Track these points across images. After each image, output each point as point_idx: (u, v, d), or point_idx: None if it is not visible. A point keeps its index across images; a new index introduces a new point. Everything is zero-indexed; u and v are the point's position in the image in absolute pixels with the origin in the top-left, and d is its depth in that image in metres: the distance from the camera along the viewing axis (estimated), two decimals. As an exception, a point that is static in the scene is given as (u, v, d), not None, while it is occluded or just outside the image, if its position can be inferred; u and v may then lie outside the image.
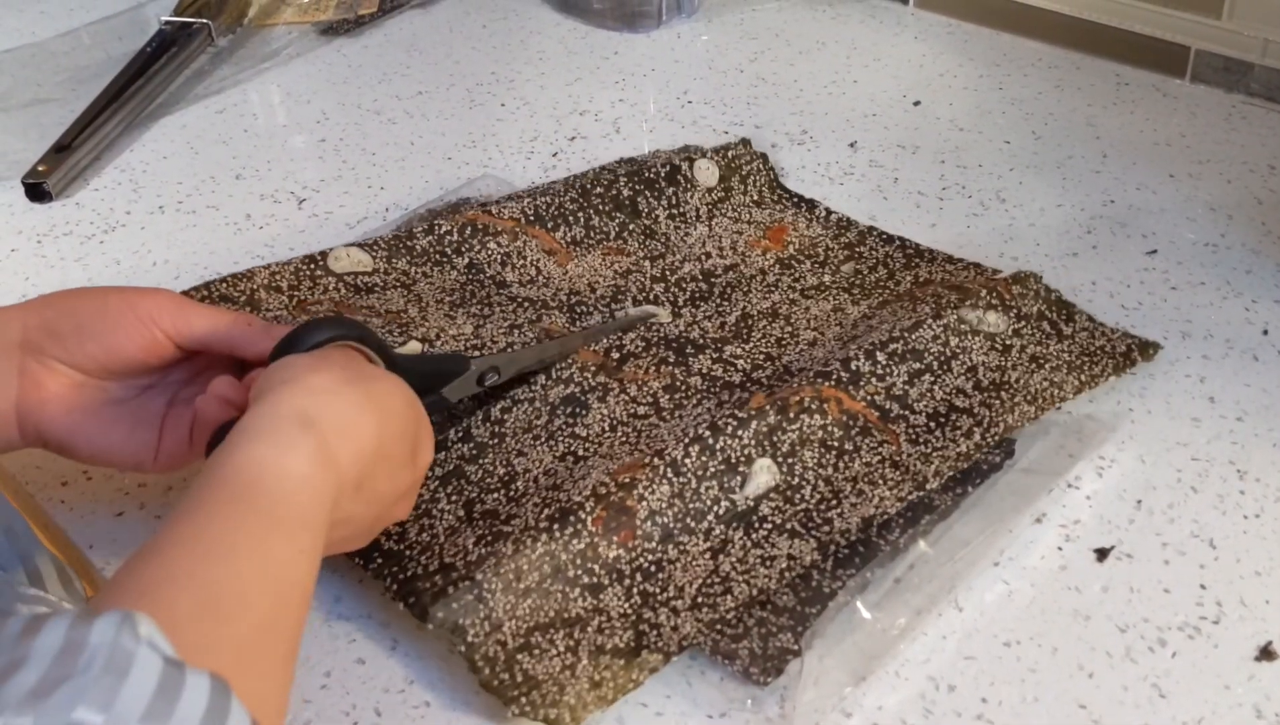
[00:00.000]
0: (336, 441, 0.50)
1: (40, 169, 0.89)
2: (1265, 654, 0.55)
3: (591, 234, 0.80)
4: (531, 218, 0.78)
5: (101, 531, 0.63)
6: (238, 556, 0.45)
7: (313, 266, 0.74)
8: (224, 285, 0.72)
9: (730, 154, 0.86)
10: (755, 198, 0.84)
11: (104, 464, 0.60)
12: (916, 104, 0.97)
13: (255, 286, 0.72)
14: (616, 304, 0.75)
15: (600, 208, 0.81)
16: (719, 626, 0.56)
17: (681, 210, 0.82)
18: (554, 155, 0.92)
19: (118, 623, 0.36)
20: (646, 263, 0.79)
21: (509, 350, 0.68)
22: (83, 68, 1.03)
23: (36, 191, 0.88)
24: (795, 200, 0.84)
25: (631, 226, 0.81)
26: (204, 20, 1.05)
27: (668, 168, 0.83)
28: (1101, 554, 0.60)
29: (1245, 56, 0.93)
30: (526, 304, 0.74)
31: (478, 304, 0.73)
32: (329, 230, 0.84)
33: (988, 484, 0.62)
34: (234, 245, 0.83)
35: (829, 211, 0.83)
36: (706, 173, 0.84)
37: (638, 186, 0.82)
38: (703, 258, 0.79)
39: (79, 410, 0.57)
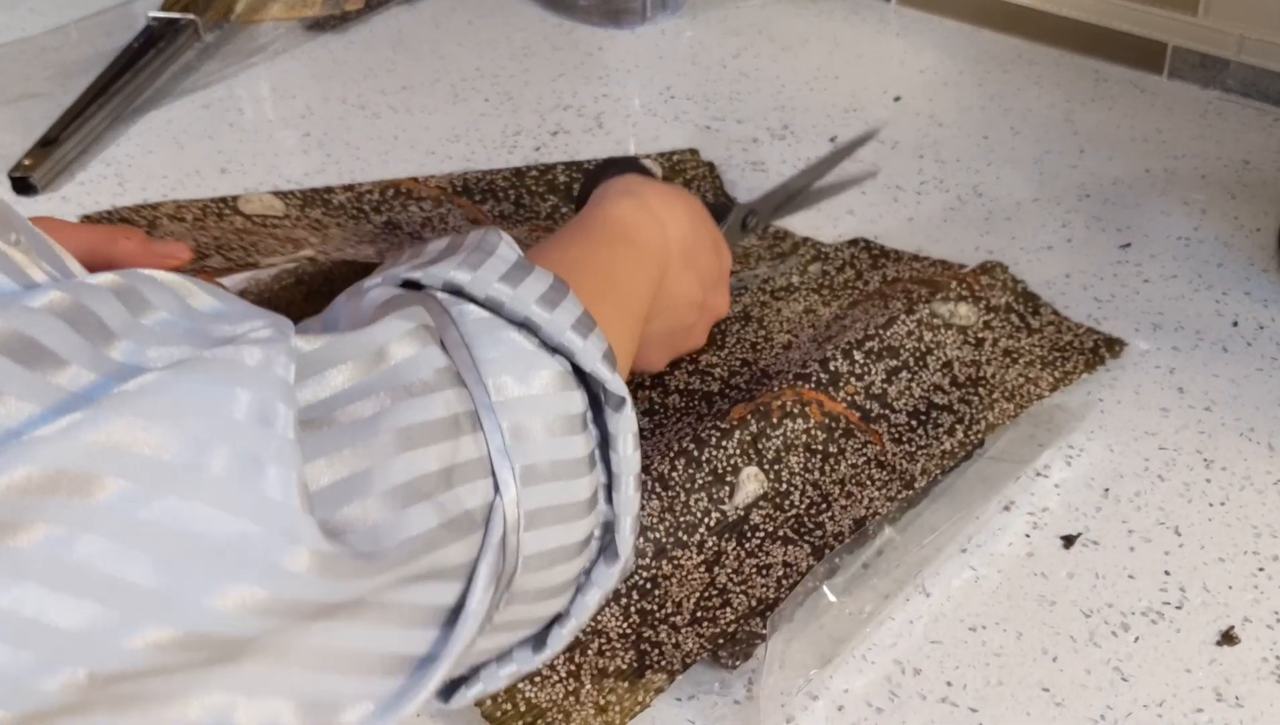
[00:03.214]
0: (659, 205, 0.61)
1: (26, 163, 0.90)
2: (1226, 639, 0.56)
3: (521, 211, 0.78)
4: (459, 189, 0.77)
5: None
6: (568, 252, 0.56)
7: (222, 206, 0.74)
8: (128, 210, 0.72)
9: (675, 157, 0.87)
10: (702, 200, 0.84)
11: None
12: (897, 99, 0.98)
13: (159, 214, 0.71)
14: None
15: (534, 189, 0.79)
16: (720, 640, 0.56)
17: None
18: (536, 150, 0.92)
19: (484, 230, 0.47)
20: None
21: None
22: (71, 63, 1.04)
23: (22, 185, 0.89)
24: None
25: (565, 211, 0.79)
26: (191, 16, 1.06)
27: (606, 159, 0.81)
28: (1068, 541, 0.61)
29: (1221, 53, 0.94)
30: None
31: (383, 247, 0.72)
32: (312, 223, 0.85)
33: (957, 472, 0.63)
34: (218, 238, 0.84)
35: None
36: (650, 164, 0.84)
37: (575, 176, 0.82)
38: None
39: None
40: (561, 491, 0.42)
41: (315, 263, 0.67)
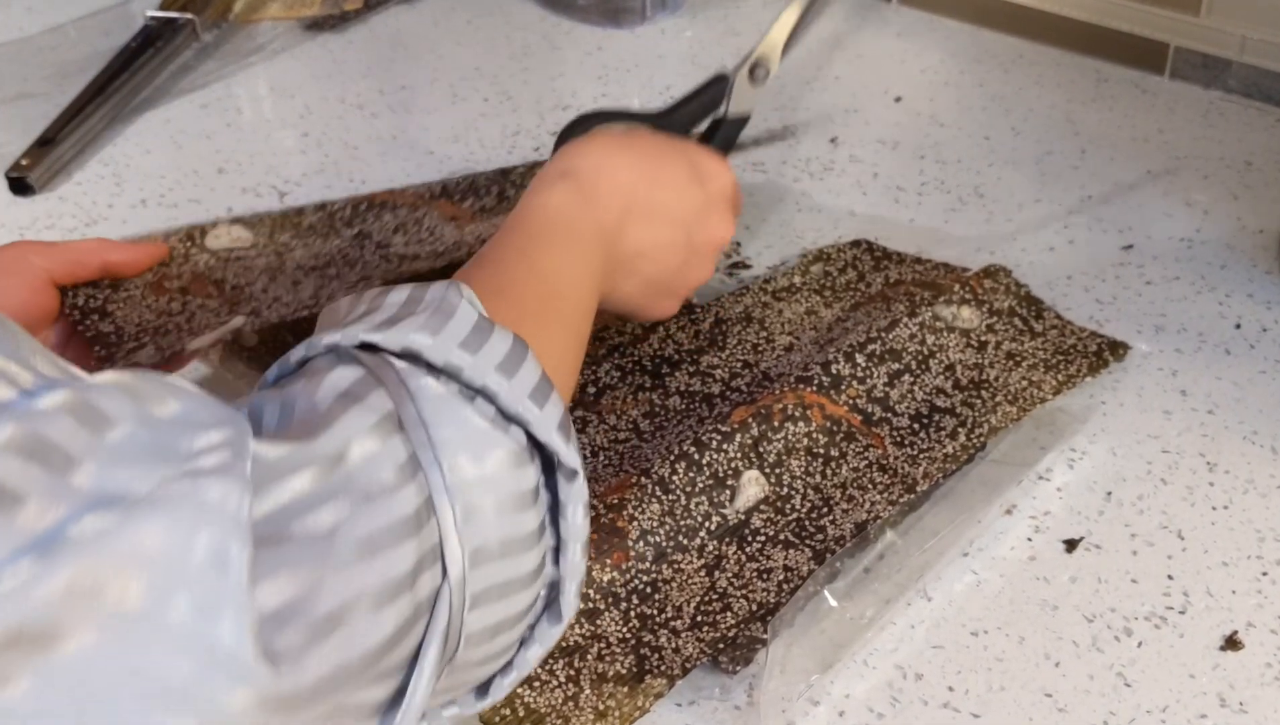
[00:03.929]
0: (592, 179, 0.61)
1: (24, 162, 0.90)
2: (1230, 643, 0.56)
3: (504, 204, 0.76)
4: (437, 193, 0.76)
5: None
6: (506, 264, 0.56)
7: (189, 244, 0.71)
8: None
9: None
10: None
11: None
12: (898, 100, 0.97)
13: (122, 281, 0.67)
14: None
15: (518, 181, 0.77)
16: (721, 644, 0.55)
17: None
18: (536, 149, 0.92)
19: (445, 286, 0.47)
20: None
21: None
22: (68, 62, 1.03)
23: (19, 185, 0.89)
24: None
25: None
26: (189, 15, 1.05)
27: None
28: (1070, 545, 0.61)
29: (1223, 53, 0.94)
30: (399, 260, 0.70)
31: (343, 266, 0.70)
32: (310, 224, 0.85)
33: (958, 475, 0.63)
34: (215, 239, 0.84)
35: None
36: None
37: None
38: None
39: None
40: (509, 567, 0.43)
41: (243, 334, 0.66)
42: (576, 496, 0.45)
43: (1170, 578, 0.59)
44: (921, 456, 0.63)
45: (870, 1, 1.11)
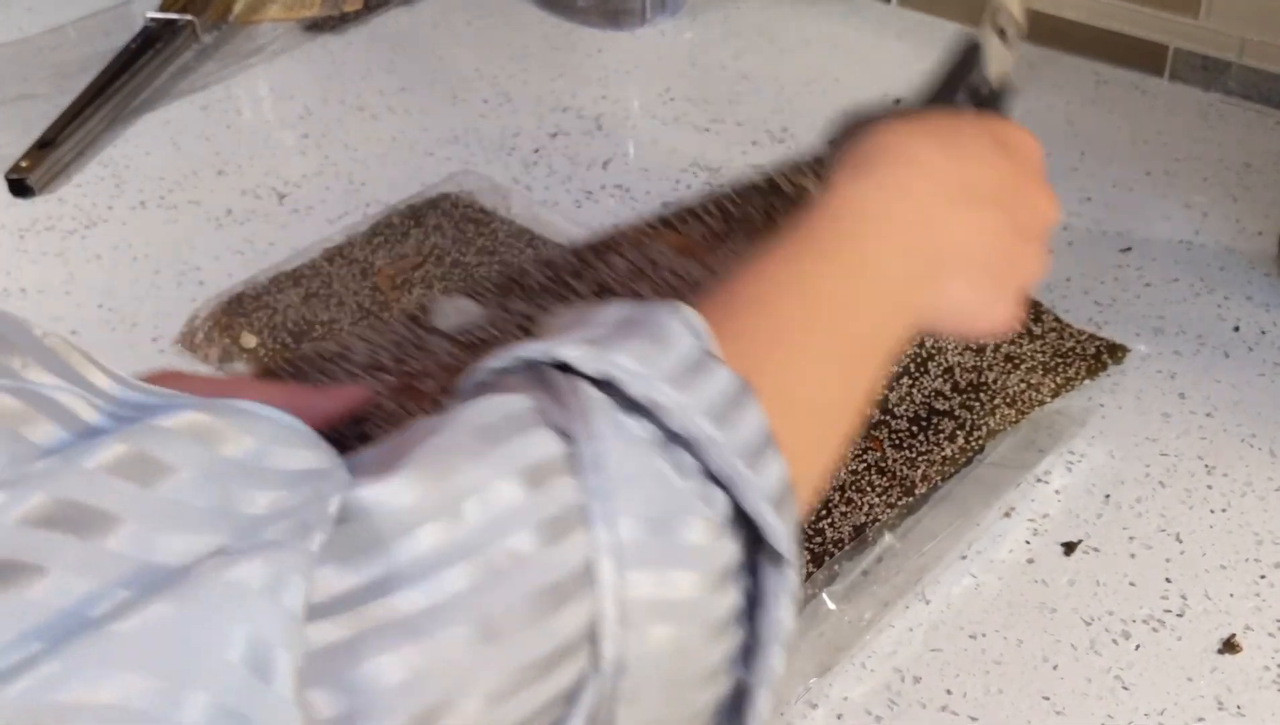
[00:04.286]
0: (885, 165, 0.50)
1: (23, 164, 0.90)
2: (1228, 646, 0.56)
3: (730, 223, 0.67)
4: (656, 225, 0.66)
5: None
6: (765, 274, 0.46)
7: (414, 326, 0.63)
8: (313, 364, 0.62)
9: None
10: None
11: None
12: (897, 102, 0.97)
13: (354, 367, 0.61)
14: None
15: (733, 197, 0.68)
16: None
17: None
18: (535, 151, 0.92)
19: (669, 309, 0.39)
20: None
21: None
22: (68, 63, 1.03)
23: (19, 186, 0.89)
24: None
25: (777, 204, 0.68)
26: (189, 17, 1.05)
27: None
28: (1069, 548, 0.61)
29: (1223, 55, 0.94)
30: None
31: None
32: (309, 225, 0.85)
33: (957, 478, 0.63)
34: (214, 240, 0.84)
35: None
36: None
37: (779, 175, 0.69)
38: None
39: None
40: (683, 663, 0.35)
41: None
42: (783, 588, 0.37)
43: (1168, 580, 0.59)
44: (920, 459, 0.63)
45: (870, 3, 1.11)
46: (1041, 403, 0.66)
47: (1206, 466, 0.65)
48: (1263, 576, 0.59)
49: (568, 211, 0.85)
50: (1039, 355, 0.69)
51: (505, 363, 0.38)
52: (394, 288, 0.77)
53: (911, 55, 1.03)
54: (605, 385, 0.36)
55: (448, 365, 0.60)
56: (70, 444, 0.29)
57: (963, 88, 0.58)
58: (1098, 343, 0.71)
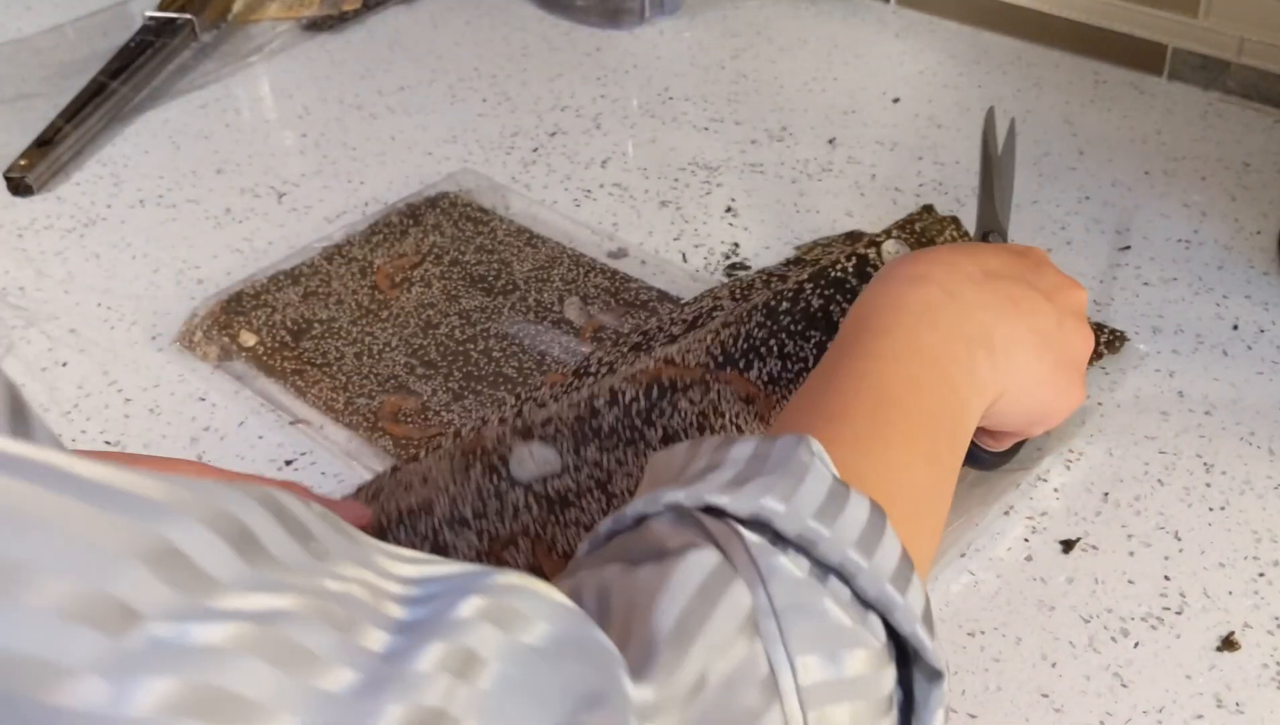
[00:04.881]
0: (936, 267, 0.54)
1: (22, 163, 0.90)
2: (1227, 644, 0.56)
3: (788, 365, 0.68)
4: (720, 359, 0.67)
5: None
6: (848, 391, 0.49)
7: (496, 480, 0.62)
8: (400, 526, 0.61)
9: (919, 226, 0.77)
10: None
11: None
12: (896, 101, 0.97)
13: (436, 521, 0.61)
14: None
15: (792, 328, 0.68)
16: None
17: None
18: (534, 150, 0.92)
19: (795, 441, 0.41)
20: None
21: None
22: (67, 63, 1.04)
23: (18, 185, 0.89)
24: None
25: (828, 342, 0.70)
26: (188, 16, 1.06)
27: (853, 261, 0.72)
28: (1067, 546, 0.61)
29: (1222, 55, 0.94)
30: None
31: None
32: (308, 224, 0.85)
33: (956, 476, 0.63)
34: (213, 239, 0.84)
35: None
36: (897, 256, 0.72)
37: (826, 292, 0.70)
38: None
39: None
40: None
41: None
42: (938, 701, 0.39)
43: (1167, 578, 0.59)
44: None
45: (868, 2, 1.11)
46: None
47: (1205, 464, 0.65)
48: (1261, 574, 0.59)
49: (566, 210, 0.85)
50: None
51: (650, 509, 0.40)
52: (393, 286, 0.77)
53: (909, 54, 1.03)
54: (755, 524, 0.39)
55: (530, 532, 0.60)
56: (397, 648, 0.29)
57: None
58: (1099, 331, 0.70)
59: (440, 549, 0.59)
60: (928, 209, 0.81)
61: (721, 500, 0.39)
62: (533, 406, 0.67)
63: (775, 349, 0.67)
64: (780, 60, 1.04)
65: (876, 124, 0.94)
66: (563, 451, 0.63)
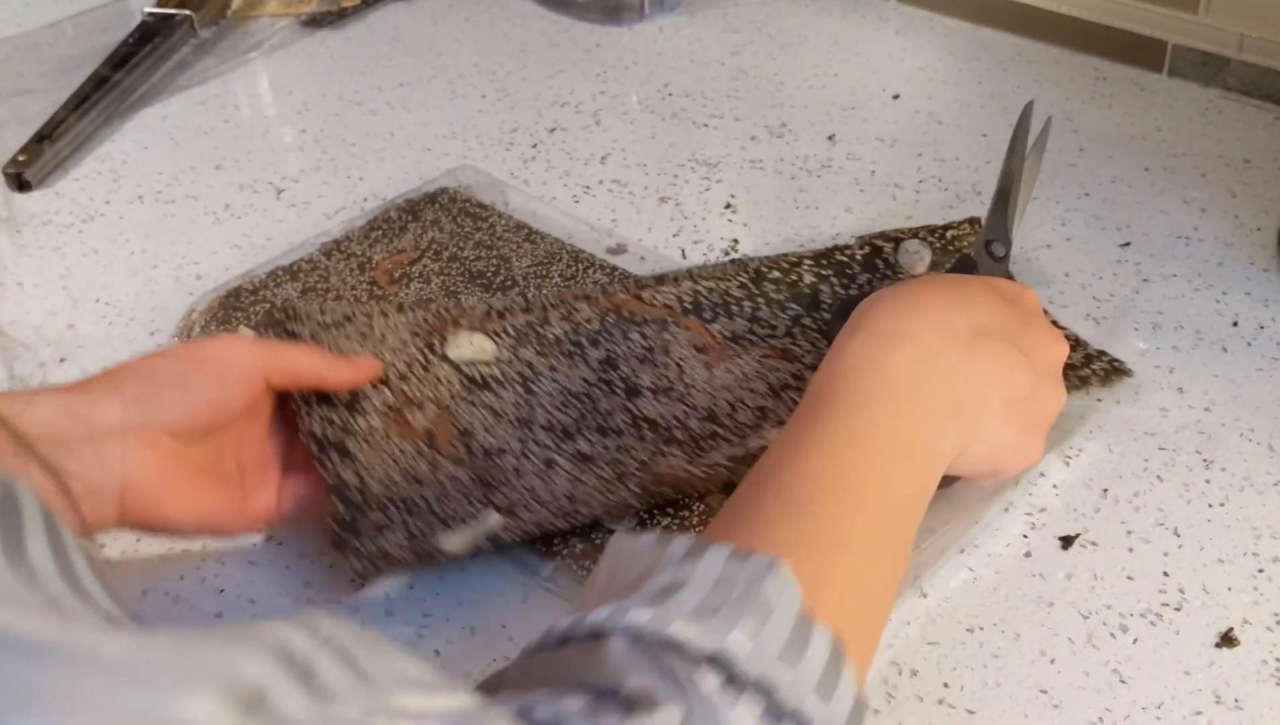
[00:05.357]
0: (897, 319, 0.53)
1: (20, 158, 0.90)
2: (1226, 640, 0.56)
3: (756, 328, 0.69)
4: (689, 306, 0.69)
5: (74, 517, 0.64)
6: (812, 475, 0.48)
7: (429, 353, 0.66)
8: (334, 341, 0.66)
9: (950, 234, 0.77)
10: None
11: (194, 531, 0.57)
12: (896, 97, 0.97)
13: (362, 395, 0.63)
14: (756, 440, 0.63)
15: (773, 296, 0.70)
16: None
17: None
18: (534, 146, 0.92)
19: (765, 568, 0.41)
20: (809, 374, 0.65)
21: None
22: (66, 59, 1.03)
23: (17, 181, 0.89)
24: None
25: (806, 321, 0.70)
26: (187, 12, 1.05)
27: (866, 250, 0.73)
28: (1066, 542, 0.61)
29: (1222, 51, 0.94)
30: (649, 433, 0.63)
31: (594, 431, 0.63)
32: (306, 220, 0.85)
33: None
34: (212, 235, 0.84)
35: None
36: (914, 257, 0.73)
37: (823, 271, 0.70)
38: None
39: (175, 478, 0.54)
40: None
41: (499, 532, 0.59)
42: None
43: (1166, 574, 0.59)
44: None
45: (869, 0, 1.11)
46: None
47: (1205, 461, 0.65)
48: (1260, 570, 0.59)
49: (566, 206, 0.85)
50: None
51: (610, 625, 0.39)
52: (391, 282, 0.77)
53: (909, 51, 1.03)
54: (719, 661, 0.38)
55: (446, 407, 0.63)
56: None
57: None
58: (1103, 362, 0.69)
59: (355, 397, 0.62)
60: (973, 221, 0.79)
61: (686, 634, 0.38)
62: (493, 306, 0.70)
63: (748, 311, 0.68)
64: (780, 57, 1.03)
65: (876, 120, 0.94)
66: (501, 346, 0.66)
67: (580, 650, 0.40)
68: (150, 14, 1.05)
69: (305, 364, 0.59)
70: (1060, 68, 1.00)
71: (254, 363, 0.57)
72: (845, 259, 0.71)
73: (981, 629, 0.57)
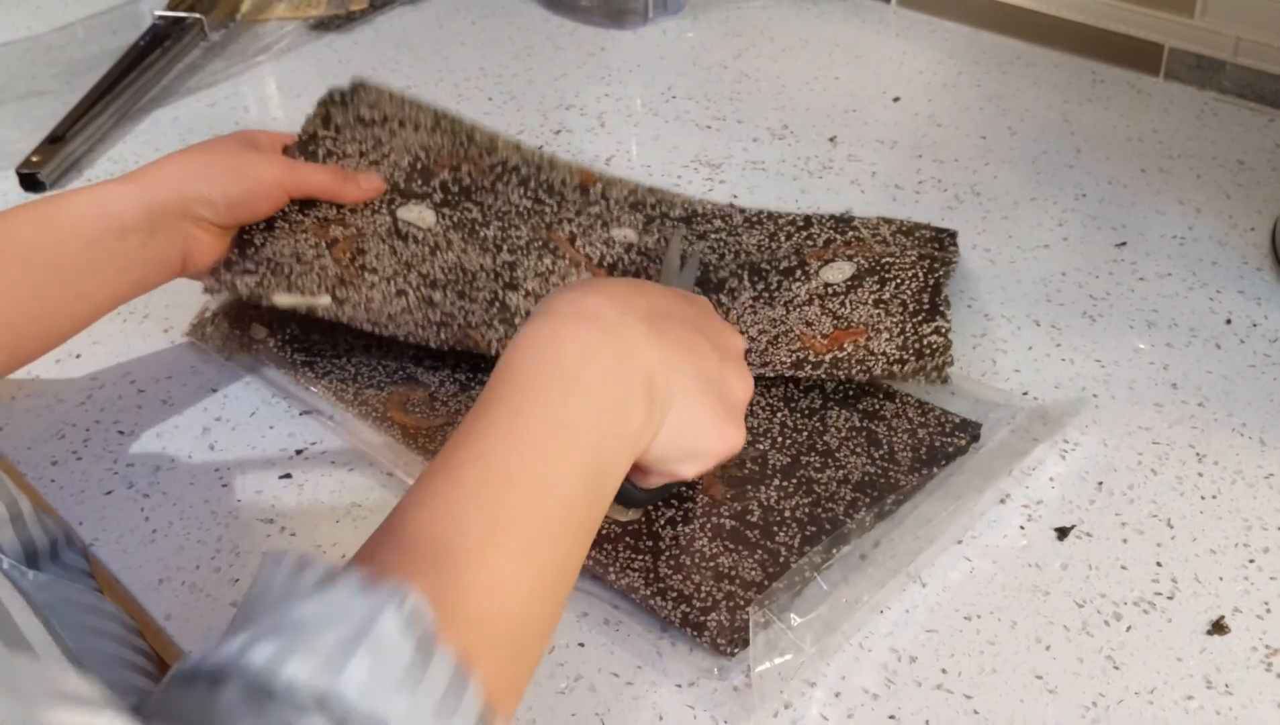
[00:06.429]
0: (591, 301, 0.54)
1: (34, 159, 0.91)
2: (1217, 628, 0.57)
3: (633, 255, 0.78)
4: (608, 263, 0.77)
5: (91, 509, 0.65)
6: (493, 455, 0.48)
7: (388, 198, 0.77)
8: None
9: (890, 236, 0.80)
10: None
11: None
12: (896, 100, 0.99)
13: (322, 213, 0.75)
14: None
15: (708, 233, 0.81)
16: (690, 598, 0.57)
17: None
18: (539, 148, 0.93)
19: (391, 596, 0.40)
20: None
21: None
22: (77, 61, 1.05)
23: (30, 181, 0.90)
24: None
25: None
26: (197, 15, 1.07)
27: (831, 223, 0.81)
28: (1062, 533, 0.62)
29: (1217, 54, 0.95)
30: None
31: (458, 296, 0.72)
32: (317, 220, 0.86)
33: (954, 466, 0.64)
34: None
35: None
36: (835, 269, 0.75)
37: (788, 229, 0.81)
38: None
39: (215, 249, 0.72)
40: None
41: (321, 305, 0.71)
42: None
43: (1159, 564, 0.60)
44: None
45: (869, 3, 1.13)
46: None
47: (1198, 454, 0.66)
48: (1251, 561, 0.60)
49: (571, 206, 0.86)
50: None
51: (230, 664, 0.39)
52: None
53: (910, 54, 1.05)
54: (327, 703, 0.38)
55: (361, 231, 0.74)
56: None
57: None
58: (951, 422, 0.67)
59: (314, 202, 0.75)
60: (951, 236, 0.80)
61: (300, 676, 0.38)
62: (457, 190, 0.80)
63: (660, 238, 0.79)
64: (782, 60, 1.05)
65: (877, 122, 0.96)
66: (439, 222, 0.76)
67: (202, 694, 0.39)
68: (161, 17, 1.07)
69: (320, 182, 0.74)
70: (1058, 71, 1.01)
71: (279, 178, 0.72)
72: (807, 225, 0.82)
73: (979, 617, 0.58)
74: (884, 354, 0.68)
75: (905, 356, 0.68)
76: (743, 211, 0.83)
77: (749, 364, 0.66)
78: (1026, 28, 1.05)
